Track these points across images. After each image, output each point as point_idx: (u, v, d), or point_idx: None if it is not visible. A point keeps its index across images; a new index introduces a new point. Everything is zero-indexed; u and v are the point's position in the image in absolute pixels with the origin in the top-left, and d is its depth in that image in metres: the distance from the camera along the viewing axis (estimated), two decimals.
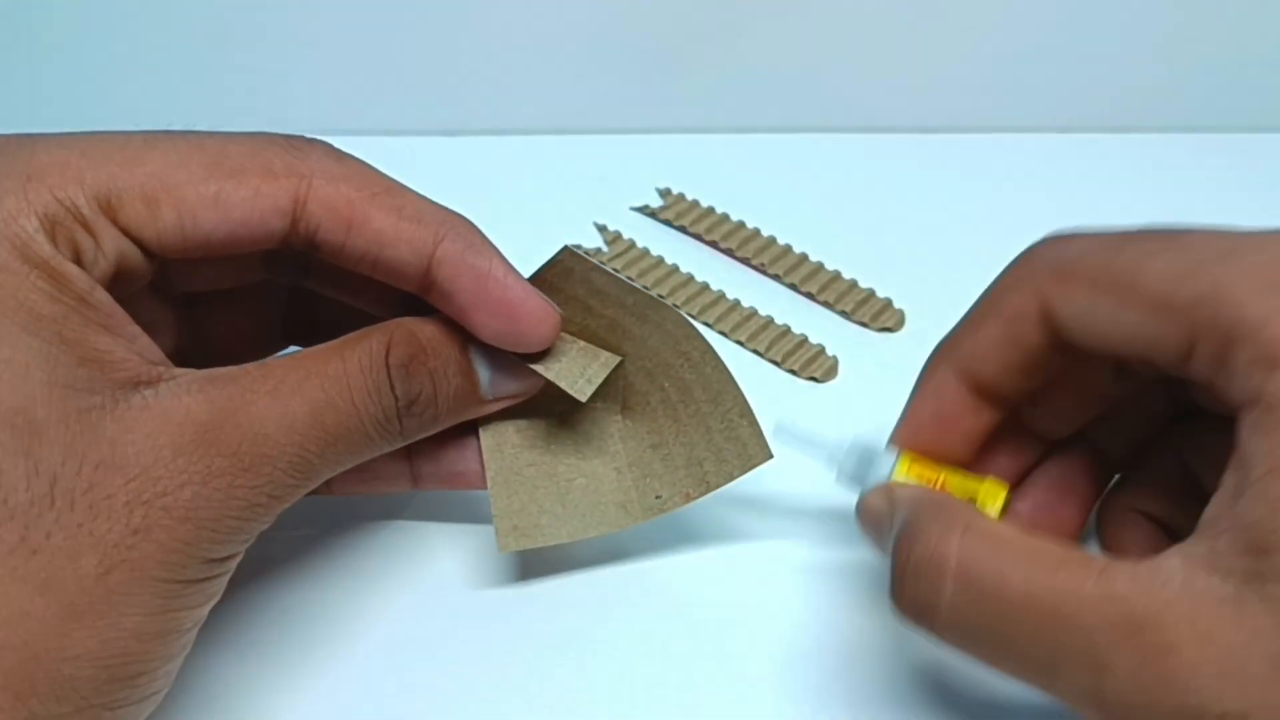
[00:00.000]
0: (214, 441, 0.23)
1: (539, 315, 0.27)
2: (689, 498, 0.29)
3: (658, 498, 0.30)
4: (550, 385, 0.28)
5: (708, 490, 0.29)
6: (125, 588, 0.21)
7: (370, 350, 0.25)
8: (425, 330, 0.27)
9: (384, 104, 0.52)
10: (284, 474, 0.24)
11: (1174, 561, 0.21)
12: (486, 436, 0.30)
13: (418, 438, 0.27)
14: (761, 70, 0.52)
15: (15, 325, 0.22)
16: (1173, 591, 0.20)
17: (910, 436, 0.28)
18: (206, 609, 0.24)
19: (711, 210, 0.46)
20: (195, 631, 0.24)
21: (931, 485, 0.27)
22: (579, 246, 0.44)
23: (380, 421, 0.25)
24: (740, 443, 0.29)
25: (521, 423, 0.30)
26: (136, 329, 0.24)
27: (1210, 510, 0.21)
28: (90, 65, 0.52)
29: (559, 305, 0.27)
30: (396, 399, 0.26)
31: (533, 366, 0.28)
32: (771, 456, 0.28)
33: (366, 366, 0.25)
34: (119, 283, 0.24)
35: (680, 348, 0.29)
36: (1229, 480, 0.21)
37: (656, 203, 0.47)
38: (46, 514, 0.21)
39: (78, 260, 0.23)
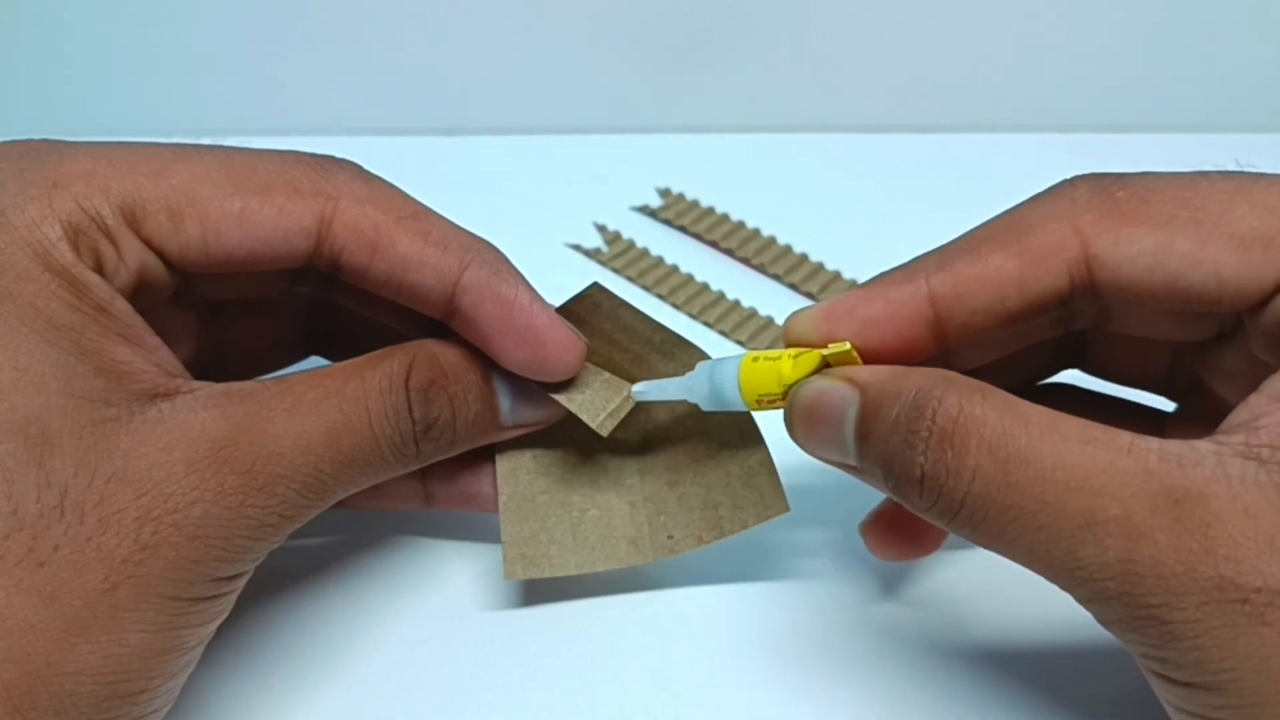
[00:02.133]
0: (228, 459, 0.22)
1: (563, 344, 0.26)
2: (701, 541, 0.29)
3: (670, 537, 0.29)
4: (571, 413, 0.28)
5: (721, 536, 0.29)
6: (130, 604, 0.21)
7: (391, 372, 0.25)
8: (448, 354, 0.26)
9: (384, 104, 0.52)
10: (297, 494, 0.23)
11: (1206, 446, 0.20)
12: (502, 461, 0.29)
13: (433, 461, 0.27)
14: (761, 70, 0.52)
15: (33, 334, 0.21)
16: (1207, 471, 0.20)
17: (837, 325, 0.25)
18: (213, 627, 0.24)
19: (711, 210, 0.46)
20: (200, 649, 0.24)
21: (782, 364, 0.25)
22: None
23: (396, 444, 0.25)
24: (758, 492, 0.28)
25: (539, 449, 0.30)
26: (156, 340, 0.23)
27: (1244, 411, 0.21)
28: (86, 67, 0.51)
29: (585, 338, 0.27)
30: (414, 422, 0.25)
31: (555, 397, 0.27)
32: (788, 510, 0.28)
33: (386, 388, 0.25)
34: (141, 294, 0.24)
35: None
36: (1277, 383, 0.21)
37: (656, 202, 0.47)
38: (55, 526, 0.21)
39: (99, 270, 0.23)
